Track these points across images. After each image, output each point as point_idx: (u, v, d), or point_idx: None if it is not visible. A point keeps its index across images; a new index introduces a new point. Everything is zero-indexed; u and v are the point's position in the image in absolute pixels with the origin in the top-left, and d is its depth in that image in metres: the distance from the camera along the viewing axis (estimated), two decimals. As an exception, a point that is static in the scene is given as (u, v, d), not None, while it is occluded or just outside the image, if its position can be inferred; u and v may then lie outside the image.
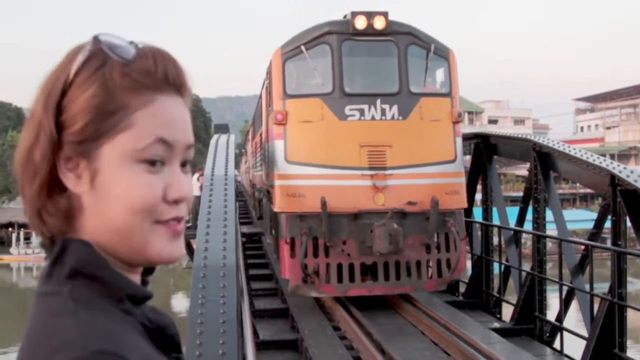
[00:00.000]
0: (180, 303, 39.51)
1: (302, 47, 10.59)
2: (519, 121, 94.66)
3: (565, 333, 9.57)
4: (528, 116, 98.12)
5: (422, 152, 10.60)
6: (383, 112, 10.50)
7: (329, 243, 10.16)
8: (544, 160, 10.62)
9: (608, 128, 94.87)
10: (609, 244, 9.47)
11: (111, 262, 1.02)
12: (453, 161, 10.75)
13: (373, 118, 10.46)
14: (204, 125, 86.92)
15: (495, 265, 12.16)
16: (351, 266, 10.26)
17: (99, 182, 1.00)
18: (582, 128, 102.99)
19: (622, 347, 8.25)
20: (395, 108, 10.53)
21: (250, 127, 27.50)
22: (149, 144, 1.00)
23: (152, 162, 1.00)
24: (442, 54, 11.03)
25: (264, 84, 13.33)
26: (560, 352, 9.47)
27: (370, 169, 10.33)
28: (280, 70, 10.73)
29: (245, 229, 17.49)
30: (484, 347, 8.42)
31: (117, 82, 0.99)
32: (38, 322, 0.96)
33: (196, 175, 22.31)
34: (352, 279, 10.26)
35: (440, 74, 11.19)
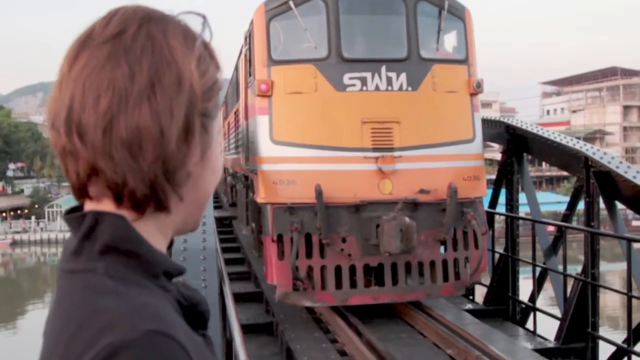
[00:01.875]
0: None
1: (291, 3, 8.63)
2: (486, 104, 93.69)
3: (538, 313, 9.59)
4: (495, 99, 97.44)
5: (435, 130, 8.79)
6: (389, 81, 8.64)
7: (325, 241, 8.30)
8: (518, 143, 10.52)
9: (574, 111, 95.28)
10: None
11: (151, 236, 1.00)
12: (472, 140, 8.96)
13: (377, 89, 8.59)
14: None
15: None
16: (352, 269, 8.42)
17: (208, 154, 1.04)
18: (548, 111, 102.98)
19: (595, 327, 8.40)
20: (403, 77, 8.68)
21: (222, 106, 25.60)
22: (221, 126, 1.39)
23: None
24: (458, 12, 9.19)
25: (241, 52, 11.36)
26: (534, 332, 9.38)
27: (375, 150, 8.48)
28: (264, 30, 8.78)
29: (216, 213, 16.05)
30: (458, 326, 8.43)
31: (218, 63, 1.06)
32: (74, 301, 0.91)
33: None
34: (353, 284, 8.43)
35: (455, 37, 9.36)
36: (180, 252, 4.79)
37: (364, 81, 8.58)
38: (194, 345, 0.93)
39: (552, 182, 77.92)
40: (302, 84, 8.61)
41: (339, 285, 8.39)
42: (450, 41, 9.40)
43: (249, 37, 9.53)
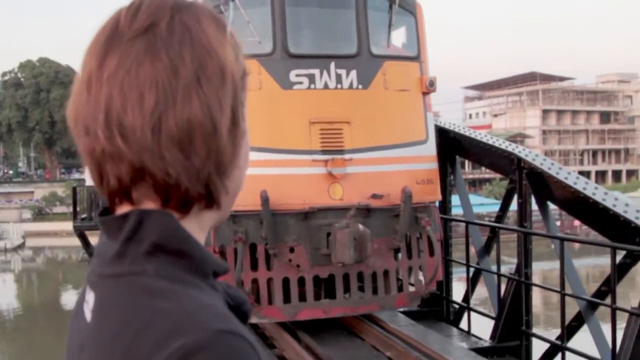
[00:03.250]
0: (70, 299, 36.82)
1: None
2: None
3: (471, 313, 9.59)
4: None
5: (387, 131, 8.25)
6: (339, 78, 8.05)
7: (272, 251, 7.65)
8: (450, 145, 10.32)
9: (495, 115, 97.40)
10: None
11: (195, 234, 0.96)
12: (425, 142, 8.47)
13: (326, 86, 7.99)
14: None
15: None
16: (301, 281, 7.79)
17: (244, 144, 1.00)
18: (470, 115, 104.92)
19: (529, 325, 8.53)
20: (353, 74, 8.10)
21: None
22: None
23: None
24: (409, 7, 8.69)
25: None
26: (468, 332, 9.38)
27: (324, 152, 7.87)
28: None
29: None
30: (396, 329, 8.43)
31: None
32: (127, 306, 0.86)
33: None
34: (302, 297, 7.79)
35: (406, 33, 8.86)
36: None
37: (311, 78, 7.96)
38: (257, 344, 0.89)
39: (474, 185, 79.32)
40: None
41: (287, 299, 7.75)
42: (401, 37, 8.90)
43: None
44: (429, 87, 8.52)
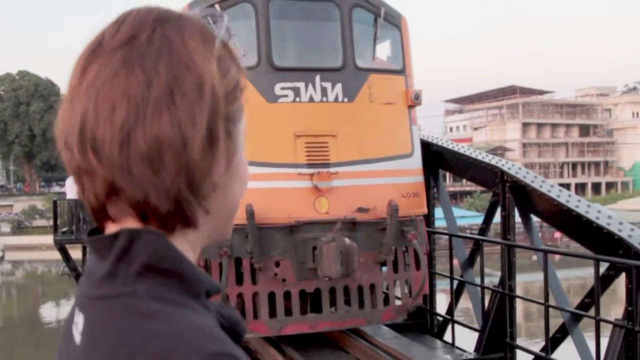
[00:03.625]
0: (50, 313, 36.26)
1: (217, 6, 7.91)
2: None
3: (455, 326, 9.61)
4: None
5: (373, 144, 8.23)
6: (324, 92, 8.03)
7: (258, 265, 7.58)
8: (433, 159, 10.30)
9: (475, 129, 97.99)
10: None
11: (185, 253, 0.91)
12: (410, 155, 8.46)
13: (311, 100, 7.97)
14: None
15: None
16: (287, 295, 7.73)
17: (233, 163, 0.96)
18: (451, 128, 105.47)
19: (513, 337, 8.57)
20: (339, 87, 8.09)
21: None
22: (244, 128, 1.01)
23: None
24: (394, 20, 8.70)
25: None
26: (452, 344, 9.38)
27: (310, 166, 7.84)
28: None
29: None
30: (380, 342, 8.47)
31: (239, 62, 0.98)
32: (118, 329, 0.83)
33: (72, 178, 19.99)
34: (288, 312, 7.72)
35: (391, 46, 8.87)
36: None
37: (297, 92, 7.94)
38: None
39: (455, 197, 79.63)
40: None
41: (272, 313, 7.67)
42: (386, 50, 8.91)
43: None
44: (414, 101, 8.53)
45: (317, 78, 8.01)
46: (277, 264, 7.68)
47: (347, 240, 7.41)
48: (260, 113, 7.88)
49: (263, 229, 7.57)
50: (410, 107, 8.58)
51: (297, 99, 7.93)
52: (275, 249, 7.67)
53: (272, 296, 7.68)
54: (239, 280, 7.63)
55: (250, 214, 7.43)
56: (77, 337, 0.90)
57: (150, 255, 0.88)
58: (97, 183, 0.88)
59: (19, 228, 68.93)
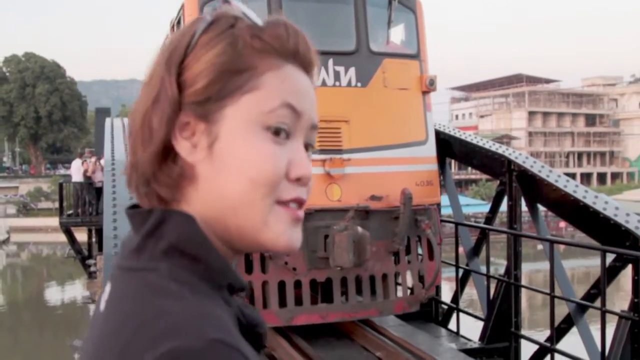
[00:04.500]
0: (54, 295, 36.55)
1: None
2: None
3: (460, 314, 9.60)
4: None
5: (387, 131, 8.01)
6: (337, 76, 7.81)
7: (267, 254, 7.40)
8: (440, 147, 9.90)
9: (481, 116, 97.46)
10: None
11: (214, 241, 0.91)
12: (424, 142, 8.24)
13: (324, 84, 7.74)
14: (79, 109, 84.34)
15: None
16: (297, 285, 7.54)
17: (219, 148, 0.90)
18: (457, 116, 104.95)
19: (518, 326, 8.55)
20: (352, 71, 7.87)
21: None
22: (276, 107, 0.91)
23: (277, 132, 0.91)
24: (408, 3, 8.45)
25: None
26: (457, 333, 9.34)
27: (322, 152, 7.62)
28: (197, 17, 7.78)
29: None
30: (385, 329, 8.42)
31: (247, 41, 0.92)
32: (134, 302, 0.85)
33: (78, 160, 20.08)
34: (299, 302, 7.54)
35: (405, 30, 8.63)
36: (112, 257, 4.62)
37: None
38: None
39: (460, 186, 79.40)
40: None
41: (282, 303, 7.48)
42: (400, 34, 8.67)
43: (178, 26, 8.50)
44: (429, 86, 8.30)
45: (330, 61, 7.78)
46: (287, 253, 7.48)
47: (359, 229, 7.22)
48: None
49: None
50: (425, 92, 8.35)
51: None
52: None
53: (281, 285, 7.50)
54: (248, 269, 7.45)
55: None
56: (102, 305, 0.92)
57: (178, 237, 0.88)
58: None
59: (24, 210, 69.06)
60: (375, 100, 7.99)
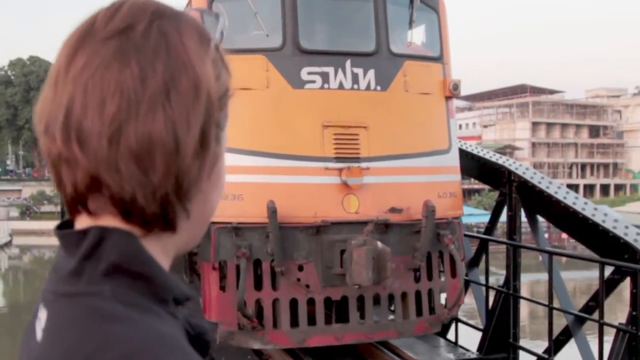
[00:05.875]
0: None
1: None
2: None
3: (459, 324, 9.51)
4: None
5: (408, 138, 7.47)
6: (355, 78, 7.27)
7: (279, 269, 6.82)
8: None
9: (485, 126, 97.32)
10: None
11: (157, 257, 0.90)
12: (447, 151, 7.70)
13: (341, 86, 7.21)
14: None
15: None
16: (311, 303, 6.98)
17: (217, 167, 0.95)
18: (460, 126, 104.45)
19: (516, 337, 8.53)
20: (371, 74, 7.32)
21: None
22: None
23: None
24: (431, 3, 7.93)
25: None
26: (455, 343, 9.24)
27: (338, 160, 7.07)
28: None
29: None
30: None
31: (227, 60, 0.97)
32: (78, 330, 0.82)
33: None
34: (312, 321, 6.97)
35: (427, 31, 8.10)
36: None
37: (325, 77, 7.18)
38: None
39: (463, 195, 78.85)
40: (251, 78, 7.10)
41: (294, 322, 6.91)
42: (420, 36, 8.14)
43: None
44: (452, 91, 7.76)
45: (348, 63, 7.25)
46: (301, 268, 6.93)
47: (379, 244, 6.66)
48: (285, 100, 7.14)
49: (286, 229, 6.82)
50: (448, 98, 7.82)
51: (326, 86, 7.16)
52: (299, 251, 6.91)
53: (294, 304, 6.93)
54: (258, 285, 6.89)
55: (273, 211, 6.68)
56: (39, 333, 0.87)
57: (119, 255, 0.86)
58: (78, 174, 0.86)
59: (27, 213, 68.99)
60: (395, 105, 7.46)
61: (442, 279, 7.56)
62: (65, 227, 0.92)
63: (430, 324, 7.43)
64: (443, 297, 7.70)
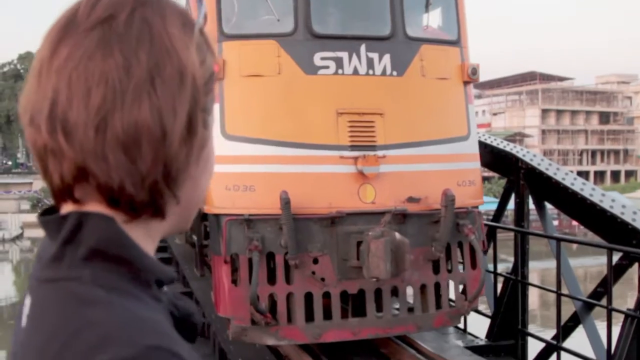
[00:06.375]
0: None
1: None
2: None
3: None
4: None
5: (425, 125, 7.19)
6: (370, 63, 6.98)
7: (293, 262, 6.56)
8: None
9: (495, 114, 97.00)
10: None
11: (140, 240, 0.90)
12: (466, 138, 7.41)
13: (356, 72, 6.92)
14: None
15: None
16: (326, 297, 6.72)
17: (205, 152, 0.95)
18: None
19: (525, 324, 8.60)
20: (387, 59, 7.03)
21: None
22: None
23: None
24: (448, -16, 7.64)
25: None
26: (464, 330, 9.29)
27: (354, 148, 6.79)
28: None
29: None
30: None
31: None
32: (59, 314, 0.83)
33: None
34: (327, 316, 6.72)
35: (444, 14, 7.80)
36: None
37: (339, 63, 6.89)
38: None
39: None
40: (262, 64, 6.83)
41: (309, 317, 6.66)
42: (438, 18, 7.85)
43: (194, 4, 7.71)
44: (471, 76, 7.46)
45: (363, 48, 6.96)
46: (316, 261, 6.67)
47: (397, 235, 6.39)
48: (297, 86, 6.86)
49: (299, 220, 6.56)
50: (466, 83, 7.52)
51: (340, 71, 6.88)
52: (314, 243, 6.65)
53: (309, 298, 6.68)
54: (271, 279, 6.65)
55: (286, 202, 6.42)
56: (24, 319, 0.88)
57: (99, 239, 0.86)
58: (64, 165, 0.86)
59: (38, 206, 69.33)
60: (412, 91, 7.17)
61: (462, 270, 7.30)
62: (48, 213, 0.93)
63: (450, 317, 7.17)
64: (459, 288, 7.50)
